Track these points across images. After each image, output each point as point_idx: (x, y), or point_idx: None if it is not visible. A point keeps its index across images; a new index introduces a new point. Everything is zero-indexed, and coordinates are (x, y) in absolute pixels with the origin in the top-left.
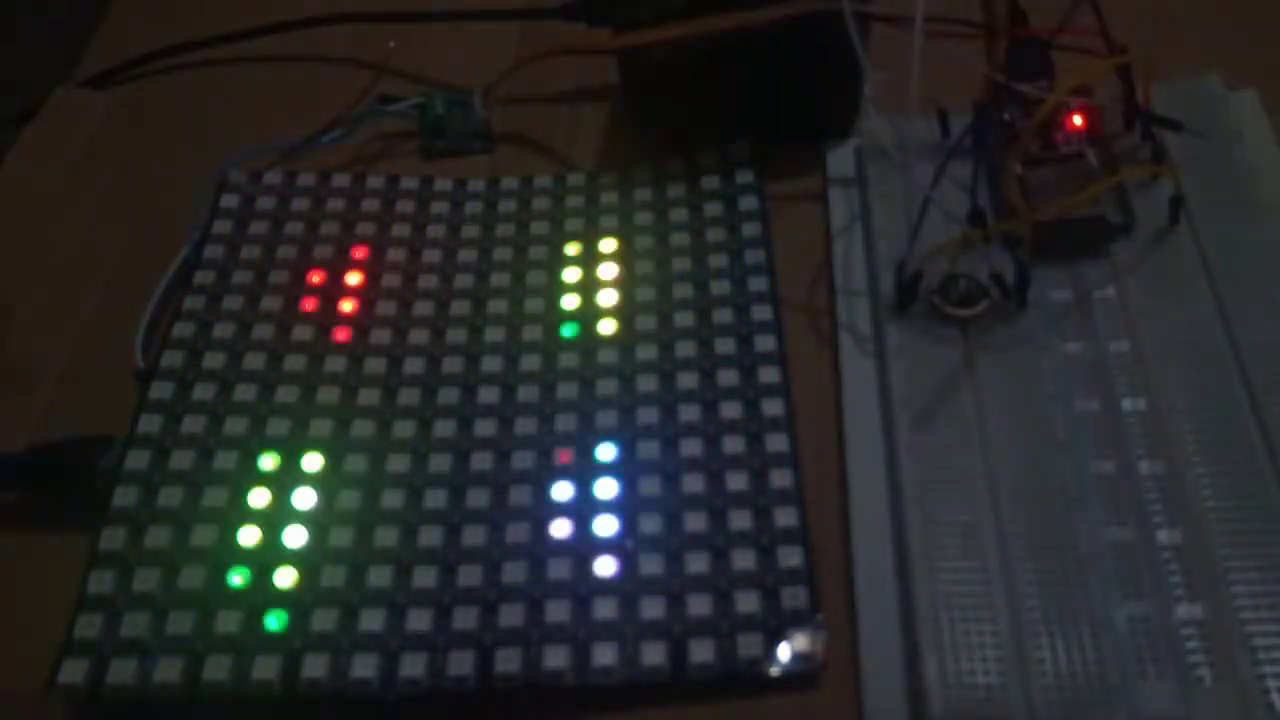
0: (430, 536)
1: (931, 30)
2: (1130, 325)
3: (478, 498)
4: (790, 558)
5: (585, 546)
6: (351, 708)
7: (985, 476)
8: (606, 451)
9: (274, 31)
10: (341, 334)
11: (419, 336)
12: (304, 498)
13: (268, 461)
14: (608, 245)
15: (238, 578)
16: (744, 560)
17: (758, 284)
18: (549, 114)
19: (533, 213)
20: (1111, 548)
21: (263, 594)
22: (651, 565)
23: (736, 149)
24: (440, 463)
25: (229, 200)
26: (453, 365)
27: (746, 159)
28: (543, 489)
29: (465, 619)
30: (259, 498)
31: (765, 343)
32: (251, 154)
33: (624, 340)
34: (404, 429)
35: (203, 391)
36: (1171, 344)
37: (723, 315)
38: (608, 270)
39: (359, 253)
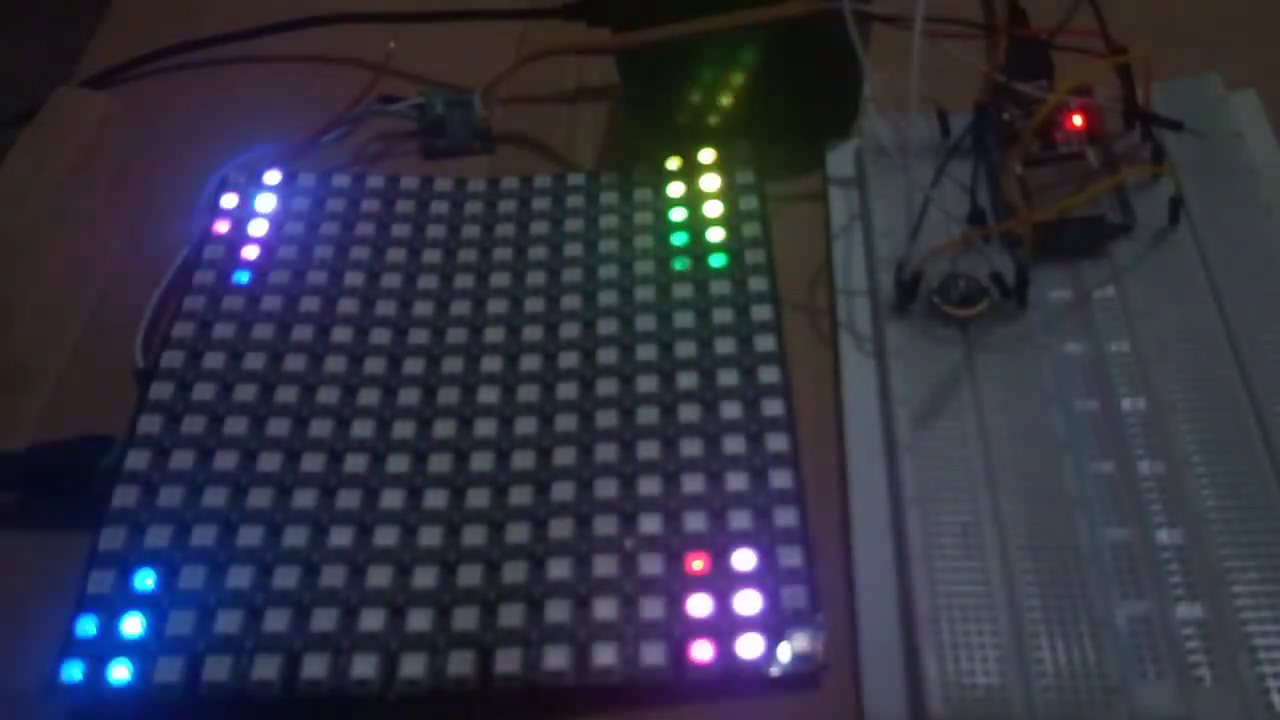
0: (430, 536)
1: (931, 30)
2: (1130, 325)
3: (478, 498)
4: (790, 557)
5: (585, 546)
6: (351, 708)
7: (985, 476)
8: (607, 451)
9: (274, 31)
10: (341, 334)
11: (419, 336)
12: (304, 498)
13: (268, 462)
14: (607, 245)
15: (238, 578)
16: (744, 561)
17: (758, 284)
18: (549, 114)
19: (533, 213)
20: (1111, 548)
21: (263, 594)
22: (651, 565)
23: (736, 149)
24: (440, 463)
25: (229, 200)
26: (452, 365)
27: (746, 159)
28: (543, 489)
29: (465, 619)
30: (259, 498)
31: (765, 343)
32: (251, 154)
33: (624, 340)
34: (404, 429)
35: (203, 391)
36: (1171, 344)
37: (723, 315)
38: (607, 270)
39: (359, 253)
